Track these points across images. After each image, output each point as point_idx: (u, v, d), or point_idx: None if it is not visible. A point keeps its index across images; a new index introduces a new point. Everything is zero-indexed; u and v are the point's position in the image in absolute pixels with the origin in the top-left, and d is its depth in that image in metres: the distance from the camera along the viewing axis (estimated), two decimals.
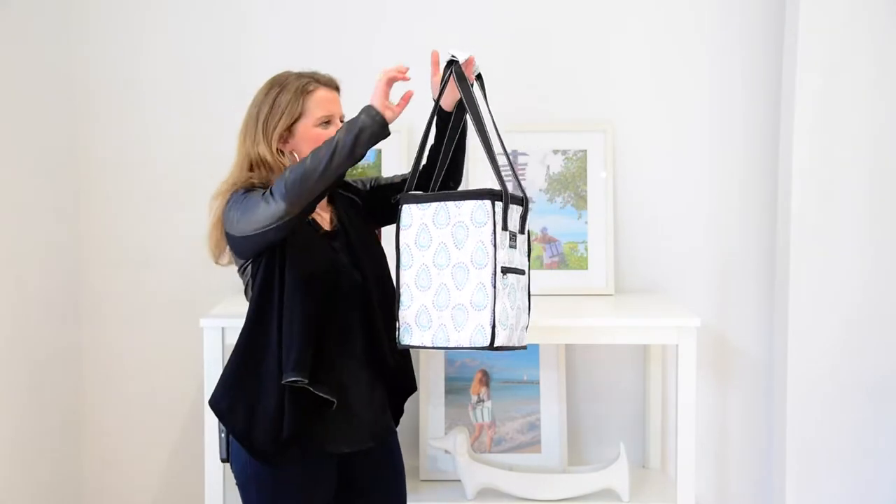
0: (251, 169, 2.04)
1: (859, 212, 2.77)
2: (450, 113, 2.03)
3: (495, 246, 1.85)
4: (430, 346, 1.92)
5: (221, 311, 2.55)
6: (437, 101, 2.02)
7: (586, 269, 2.87)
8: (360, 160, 1.92)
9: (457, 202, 1.91)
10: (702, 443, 2.92)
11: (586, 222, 2.88)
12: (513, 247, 1.89)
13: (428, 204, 1.94)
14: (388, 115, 1.91)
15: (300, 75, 2.09)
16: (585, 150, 2.89)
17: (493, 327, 1.85)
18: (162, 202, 2.92)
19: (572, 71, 2.91)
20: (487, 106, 1.99)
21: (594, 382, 2.96)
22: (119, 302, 2.94)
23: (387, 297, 2.04)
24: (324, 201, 2.10)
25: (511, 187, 1.92)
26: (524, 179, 2.88)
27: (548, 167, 2.89)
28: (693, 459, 2.48)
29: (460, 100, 1.97)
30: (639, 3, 2.90)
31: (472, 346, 1.87)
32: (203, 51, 2.89)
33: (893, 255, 2.77)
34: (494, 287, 1.85)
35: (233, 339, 2.43)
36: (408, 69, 1.95)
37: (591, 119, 2.91)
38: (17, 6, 2.62)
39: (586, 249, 2.87)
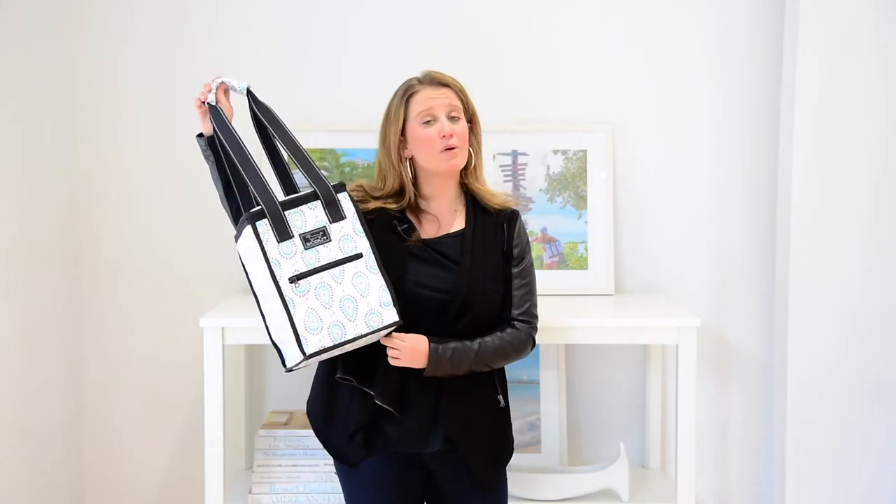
0: (382, 176, 2.13)
1: (859, 212, 2.77)
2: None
3: (269, 264, 1.90)
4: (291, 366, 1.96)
5: (221, 311, 2.55)
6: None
7: (586, 269, 2.87)
8: (213, 166, 2.05)
9: (237, 229, 1.98)
10: (702, 443, 2.92)
11: (586, 222, 2.88)
12: (317, 244, 1.94)
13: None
14: (203, 127, 2.06)
15: (412, 79, 2.12)
16: (585, 150, 2.89)
17: (298, 338, 1.89)
18: (162, 202, 2.92)
19: (572, 71, 2.91)
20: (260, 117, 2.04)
21: (594, 382, 2.96)
22: (119, 302, 2.94)
23: (474, 313, 2.07)
24: (438, 208, 2.14)
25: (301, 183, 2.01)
26: (524, 179, 2.88)
27: (548, 167, 2.89)
28: (693, 459, 2.48)
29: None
30: (639, 2, 2.90)
31: (300, 358, 1.90)
32: (205, 53, 2.89)
33: (893, 255, 2.77)
34: (284, 302, 1.89)
35: (233, 339, 2.45)
36: (206, 88, 2.02)
37: (591, 119, 2.91)
38: (17, 6, 2.62)
39: (586, 249, 2.87)
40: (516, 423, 2.82)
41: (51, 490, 2.79)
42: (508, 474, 2.60)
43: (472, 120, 2.14)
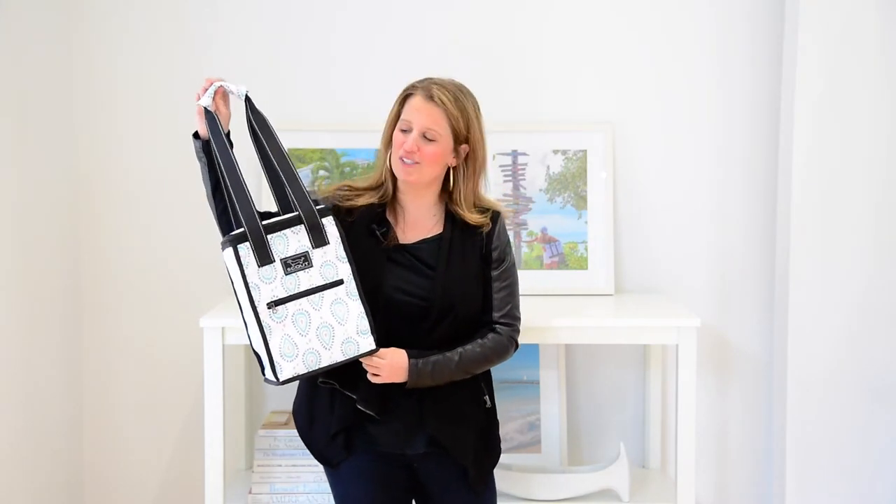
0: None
1: (859, 212, 2.76)
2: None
3: (248, 288, 1.90)
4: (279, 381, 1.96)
5: (221, 311, 2.55)
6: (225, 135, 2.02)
7: (586, 269, 2.87)
8: (205, 167, 2.03)
9: (221, 246, 1.97)
10: (702, 443, 2.92)
11: (586, 222, 2.88)
12: (298, 270, 1.94)
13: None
14: (199, 129, 2.03)
15: (417, 81, 2.10)
16: (585, 150, 2.89)
17: (273, 364, 1.91)
18: (162, 202, 2.92)
19: (572, 71, 2.91)
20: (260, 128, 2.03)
21: (594, 382, 2.95)
22: (119, 302, 2.94)
23: (452, 318, 2.07)
24: (415, 210, 2.13)
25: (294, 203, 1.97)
26: (524, 179, 2.88)
27: (548, 167, 2.89)
28: (693, 459, 2.48)
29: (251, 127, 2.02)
30: (639, 2, 2.90)
31: (271, 382, 1.94)
32: (205, 52, 2.89)
33: (894, 255, 2.77)
34: (260, 327, 1.91)
35: (233, 339, 2.45)
36: (207, 83, 2.01)
37: (591, 119, 2.91)
38: (16, 6, 2.62)
39: (586, 249, 2.87)
40: (516, 423, 2.83)
41: (51, 490, 2.79)
42: (508, 474, 2.61)
43: (466, 142, 2.08)
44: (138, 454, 2.98)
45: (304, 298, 1.93)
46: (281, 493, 2.61)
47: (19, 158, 2.63)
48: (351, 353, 1.95)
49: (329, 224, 1.98)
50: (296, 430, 2.58)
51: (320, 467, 2.57)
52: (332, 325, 1.94)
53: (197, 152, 2.06)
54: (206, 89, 2.00)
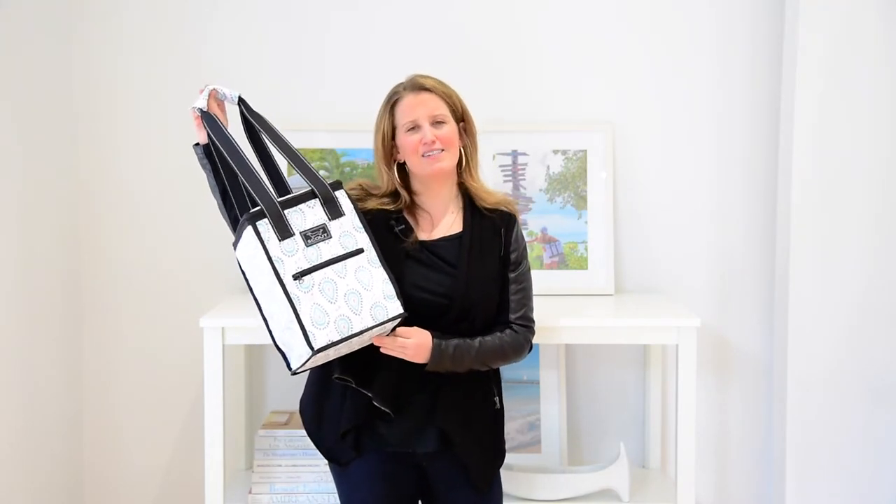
0: (380, 178, 2.16)
1: (859, 212, 2.77)
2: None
3: (272, 262, 1.91)
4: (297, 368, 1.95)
5: (221, 311, 2.55)
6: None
7: (586, 269, 2.87)
8: (210, 174, 2.07)
9: (237, 233, 1.98)
10: (702, 443, 2.92)
11: (586, 222, 2.88)
12: (318, 241, 1.96)
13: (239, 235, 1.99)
14: (199, 136, 2.06)
15: (397, 85, 2.13)
16: (585, 150, 2.89)
17: (306, 333, 1.89)
18: (162, 202, 2.92)
19: (573, 71, 2.91)
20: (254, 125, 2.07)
21: (594, 382, 2.95)
22: (119, 301, 2.94)
23: (471, 318, 2.08)
24: (434, 207, 2.15)
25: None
26: (524, 179, 2.88)
27: (548, 167, 2.89)
28: (693, 459, 2.48)
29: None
30: (640, 3, 2.90)
31: (308, 355, 1.90)
32: (204, 53, 2.89)
33: (893, 255, 2.77)
34: (289, 298, 1.90)
35: (233, 339, 2.45)
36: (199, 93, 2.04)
37: (591, 119, 2.91)
38: (17, 7, 2.62)
39: (586, 249, 2.87)
40: (516, 423, 2.83)
41: (51, 490, 2.79)
42: (509, 474, 2.61)
43: (463, 118, 2.15)
44: (138, 454, 2.98)
45: (329, 268, 1.94)
46: (281, 493, 2.61)
47: (20, 158, 2.63)
48: (381, 318, 1.95)
49: (342, 196, 2.01)
50: (296, 431, 2.62)
51: (321, 467, 2.58)
52: (359, 291, 1.95)
53: (200, 160, 2.08)
54: (201, 93, 2.03)
